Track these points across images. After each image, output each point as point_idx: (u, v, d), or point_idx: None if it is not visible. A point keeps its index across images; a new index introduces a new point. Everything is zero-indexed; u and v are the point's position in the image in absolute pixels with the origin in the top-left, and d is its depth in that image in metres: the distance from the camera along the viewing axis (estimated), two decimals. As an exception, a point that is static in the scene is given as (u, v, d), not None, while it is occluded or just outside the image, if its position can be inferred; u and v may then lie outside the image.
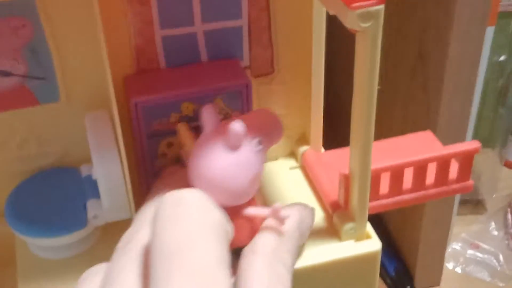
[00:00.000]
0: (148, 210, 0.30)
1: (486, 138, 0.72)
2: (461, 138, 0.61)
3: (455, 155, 0.35)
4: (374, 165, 0.33)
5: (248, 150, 0.30)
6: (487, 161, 0.74)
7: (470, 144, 0.35)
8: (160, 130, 0.38)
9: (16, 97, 0.38)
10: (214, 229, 0.26)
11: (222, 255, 0.25)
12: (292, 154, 0.45)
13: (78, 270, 0.37)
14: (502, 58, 0.66)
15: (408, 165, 0.35)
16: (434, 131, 0.53)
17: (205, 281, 0.23)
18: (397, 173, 0.35)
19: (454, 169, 0.36)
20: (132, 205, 0.37)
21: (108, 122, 0.37)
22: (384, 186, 0.36)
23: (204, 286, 0.23)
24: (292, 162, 0.44)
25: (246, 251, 0.30)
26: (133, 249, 0.27)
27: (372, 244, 0.35)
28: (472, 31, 0.50)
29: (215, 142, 0.29)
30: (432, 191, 0.36)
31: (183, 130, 0.36)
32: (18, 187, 0.40)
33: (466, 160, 0.35)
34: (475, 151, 0.35)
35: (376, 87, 0.29)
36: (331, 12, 0.30)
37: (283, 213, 0.30)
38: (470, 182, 0.36)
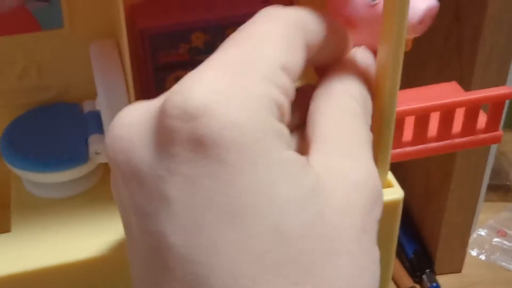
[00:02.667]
0: None
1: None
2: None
3: (484, 100, 0.32)
4: (399, 107, 0.30)
5: None
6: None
7: (501, 89, 0.32)
8: (168, 63, 0.35)
9: (16, 21, 0.36)
10: None
11: None
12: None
13: (79, 211, 0.34)
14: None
15: (434, 108, 0.32)
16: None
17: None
18: (422, 118, 0.32)
19: (482, 119, 0.33)
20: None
21: (115, 51, 0.34)
22: (408, 133, 0.33)
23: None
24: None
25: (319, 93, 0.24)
26: None
27: (394, 192, 0.32)
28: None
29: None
30: (459, 140, 0.33)
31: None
32: (16, 120, 0.38)
33: (496, 107, 0.32)
34: (506, 97, 0.32)
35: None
36: None
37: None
38: (500, 132, 0.33)
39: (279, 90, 0.20)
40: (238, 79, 0.19)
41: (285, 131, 0.20)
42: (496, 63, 0.51)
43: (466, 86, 0.51)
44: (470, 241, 0.67)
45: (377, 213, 0.21)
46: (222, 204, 0.18)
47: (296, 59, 0.22)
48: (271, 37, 0.21)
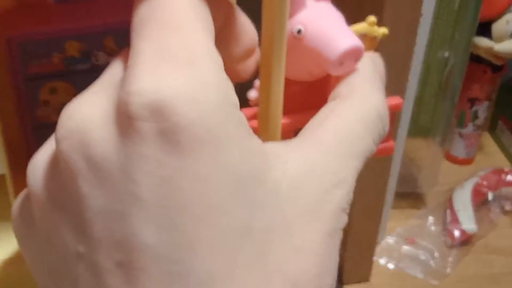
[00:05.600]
0: None
1: (427, 128, 0.69)
2: (395, 125, 0.57)
3: None
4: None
5: None
6: (428, 153, 0.71)
7: (391, 100, 0.30)
8: (41, 73, 0.32)
9: None
10: None
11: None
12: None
13: None
14: (446, 47, 0.63)
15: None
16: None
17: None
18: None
19: None
20: (5, 159, 0.32)
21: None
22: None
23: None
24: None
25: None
26: None
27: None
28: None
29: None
30: None
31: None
32: None
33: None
34: (396, 107, 0.30)
35: (285, 38, 0.23)
36: None
37: None
38: (391, 144, 0.31)
39: (222, 69, 0.20)
40: (191, 70, 0.19)
41: (243, 116, 0.20)
42: (393, 73, 0.51)
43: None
44: (378, 249, 0.66)
45: (344, 221, 0.21)
46: (197, 203, 0.18)
47: (213, 35, 0.21)
48: (193, 16, 0.20)
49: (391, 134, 0.30)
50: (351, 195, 0.22)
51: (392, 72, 0.49)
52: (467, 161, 0.78)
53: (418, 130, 0.68)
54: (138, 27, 0.20)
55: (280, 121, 0.25)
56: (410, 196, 0.73)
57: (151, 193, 0.18)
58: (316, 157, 0.21)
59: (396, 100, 0.28)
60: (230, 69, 0.25)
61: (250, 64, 0.25)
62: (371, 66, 0.26)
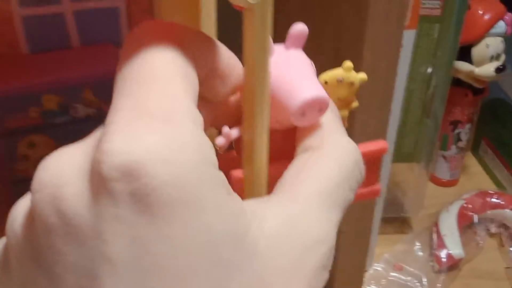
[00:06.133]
0: None
1: (411, 153, 0.69)
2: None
3: None
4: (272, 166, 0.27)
5: None
6: (412, 177, 0.71)
7: (376, 144, 0.30)
8: (18, 127, 0.31)
9: None
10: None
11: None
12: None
13: None
14: (428, 70, 0.63)
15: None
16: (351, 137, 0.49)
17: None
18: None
19: None
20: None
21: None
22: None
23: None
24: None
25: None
26: None
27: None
28: (388, 32, 0.46)
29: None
30: None
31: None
32: None
33: (372, 162, 0.30)
34: (382, 152, 0.30)
35: (267, 79, 0.23)
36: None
37: None
38: (377, 187, 0.31)
39: (202, 128, 0.19)
40: (169, 130, 0.18)
41: (221, 175, 0.19)
42: (376, 104, 0.50)
43: (349, 121, 0.49)
44: (366, 277, 0.66)
45: (325, 278, 0.21)
46: (170, 266, 0.17)
47: (196, 90, 0.21)
48: (173, 73, 0.20)
49: (377, 177, 0.29)
50: (332, 251, 0.21)
51: (374, 100, 0.49)
52: (451, 183, 0.78)
53: (402, 155, 0.68)
54: (119, 84, 0.20)
55: (266, 169, 0.24)
56: (396, 221, 0.73)
57: (122, 255, 0.17)
58: (295, 212, 0.21)
59: (381, 144, 0.28)
60: (223, 103, 0.25)
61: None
62: (330, 113, 0.25)
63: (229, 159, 0.26)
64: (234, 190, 0.26)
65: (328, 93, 0.24)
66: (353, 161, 0.23)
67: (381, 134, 0.50)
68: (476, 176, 0.81)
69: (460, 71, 0.67)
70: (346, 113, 0.27)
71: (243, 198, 0.25)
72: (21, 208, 0.20)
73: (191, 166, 0.18)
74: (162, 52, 0.20)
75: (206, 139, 0.19)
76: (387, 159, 0.60)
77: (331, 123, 0.25)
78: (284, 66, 0.24)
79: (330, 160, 0.23)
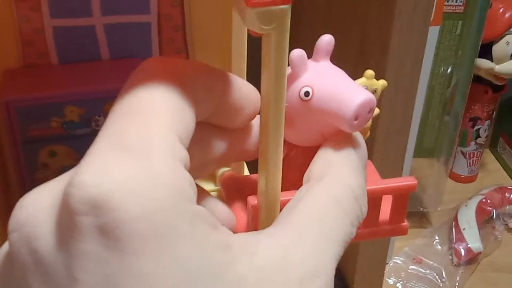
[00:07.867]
0: None
1: (431, 149, 0.69)
2: (402, 147, 0.57)
3: (386, 191, 0.28)
4: (286, 195, 0.27)
5: None
6: (432, 173, 0.71)
7: (405, 180, 0.28)
8: (39, 136, 0.32)
9: None
10: None
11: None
12: (212, 177, 0.37)
13: None
14: (449, 69, 0.63)
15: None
16: (373, 140, 0.49)
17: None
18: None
19: (387, 209, 0.29)
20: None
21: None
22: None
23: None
24: (210, 185, 0.36)
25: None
26: None
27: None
28: (414, 27, 0.45)
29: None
30: (360, 231, 0.28)
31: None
32: None
33: (400, 198, 0.29)
34: (410, 188, 0.28)
35: (283, 103, 0.22)
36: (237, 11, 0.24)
37: None
38: (406, 224, 0.29)
39: (183, 164, 0.19)
40: (144, 163, 0.17)
41: (202, 210, 0.19)
42: (401, 98, 0.50)
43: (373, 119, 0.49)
44: (386, 269, 0.66)
45: None
46: None
47: (188, 125, 0.20)
48: (160, 107, 0.19)
49: (404, 214, 0.28)
50: (331, 284, 0.20)
51: (400, 96, 0.49)
52: (470, 179, 0.78)
53: (422, 151, 0.68)
54: (109, 114, 0.19)
55: (279, 197, 0.25)
56: (416, 215, 0.73)
57: None
58: (290, 244, 0.20)
59: (410, 180, 0.27)
60: (240, 130, 0.24)
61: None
62: (349, 145, 0.24)
63: None
64: (249, 216, 0.26)
65: None
66: (353, 196, 0.22)
67: (405, 129, 0.50)
68: (494, 172, 0.80)
69: (480, 68, 0.67)
70: (369, 122, 0.27)
71: (257, 225, 0.26)
72: (5, 244, 0.20)
73: (164, 201, 0.17)
74: (154, 86, 0.20)
75: (185, 174, 0.19)
76: (409, 154, 0.60)
77: (344, 153, 0.24)
78: (323, 77, 0.24)
79: (329, 192, 0.22)
